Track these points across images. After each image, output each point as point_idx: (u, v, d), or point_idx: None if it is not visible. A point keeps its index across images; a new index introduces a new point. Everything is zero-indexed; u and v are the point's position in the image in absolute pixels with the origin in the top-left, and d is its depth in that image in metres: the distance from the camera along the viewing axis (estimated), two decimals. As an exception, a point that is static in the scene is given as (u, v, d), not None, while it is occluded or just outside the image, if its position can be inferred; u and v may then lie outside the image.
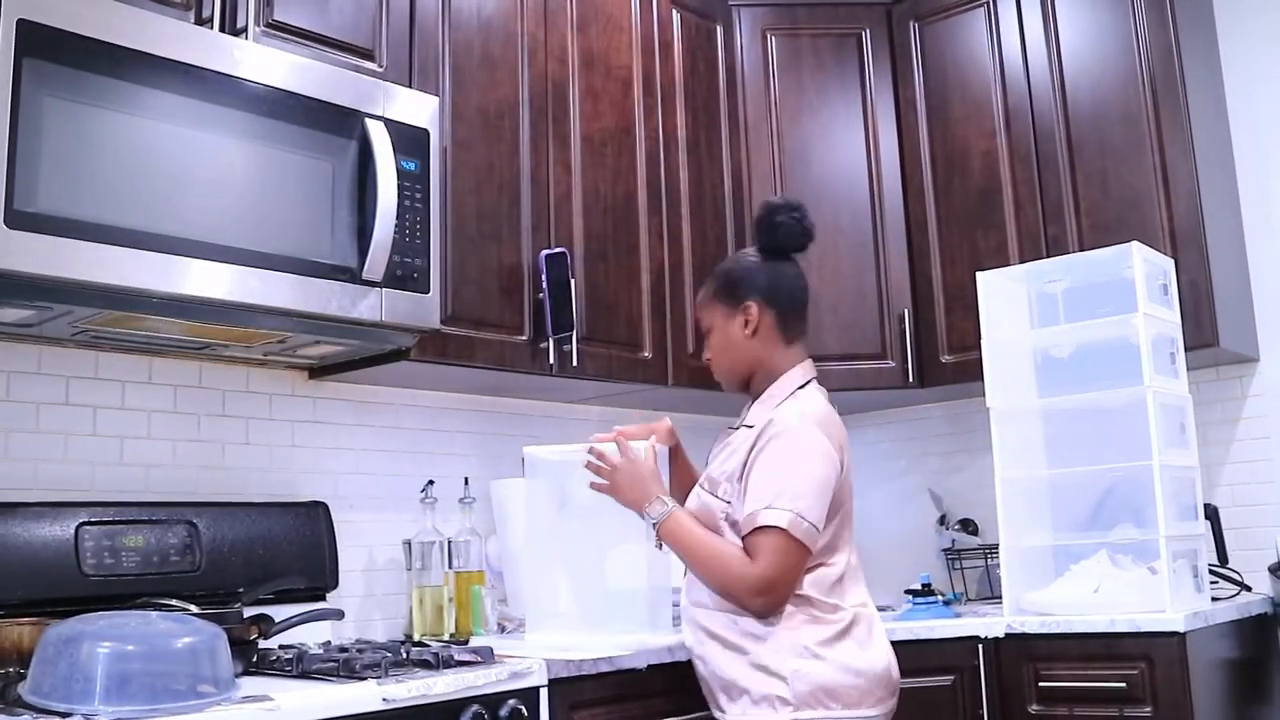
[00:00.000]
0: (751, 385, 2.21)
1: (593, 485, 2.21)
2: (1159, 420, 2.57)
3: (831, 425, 2.11)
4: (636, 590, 2.27)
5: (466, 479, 2.68)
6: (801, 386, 2.15)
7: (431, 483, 2.59)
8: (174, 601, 1.95)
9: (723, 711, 2.06)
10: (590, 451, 2.21)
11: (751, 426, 2.12)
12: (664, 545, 2.14)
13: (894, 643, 2.15)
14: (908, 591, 2.84)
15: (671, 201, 3.01)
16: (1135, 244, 2.66)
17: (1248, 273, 3.13)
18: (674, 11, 3.14)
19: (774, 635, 2.01)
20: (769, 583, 1.98)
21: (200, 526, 2.20)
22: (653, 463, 2.19)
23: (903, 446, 3.60)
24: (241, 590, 2.16)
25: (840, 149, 3.33)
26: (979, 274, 2.90)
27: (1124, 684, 2.40)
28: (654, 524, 2.12)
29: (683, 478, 2.31)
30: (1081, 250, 2.92)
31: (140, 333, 2.08)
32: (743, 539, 2.03)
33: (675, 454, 2.33)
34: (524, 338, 2.57)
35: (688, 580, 2.15)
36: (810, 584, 2.04)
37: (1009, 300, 2.93)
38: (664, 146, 3.02)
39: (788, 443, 2.04)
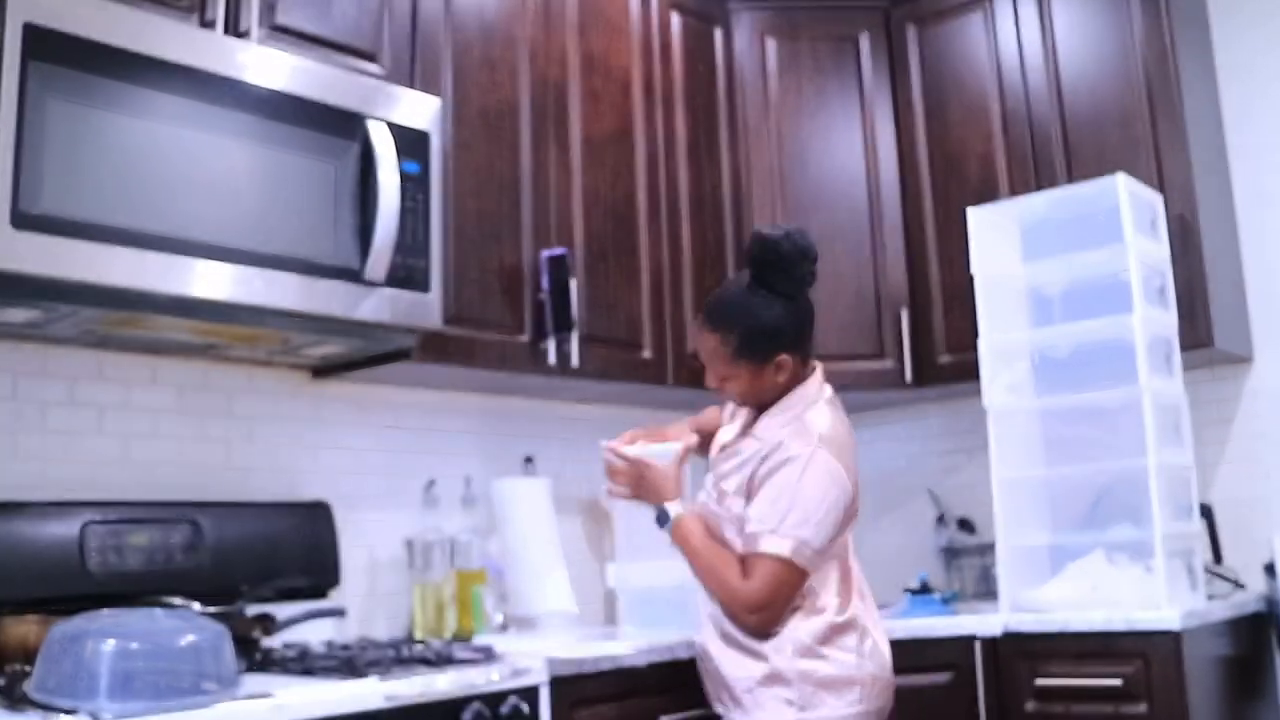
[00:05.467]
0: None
1: (610, 491, 2.24)
2: (1155, 420, 2.58)
3: (842, 442, 2.10)
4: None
5: (468, 478, 2.69)
6: (814, 404, 2.13)
7: (433, 482, 2.60)
8: (178, 600, 1.97)
9: (727, 708, 2.09)
10: (611, 452, 2.23)
11: (761, 440, 2.11)
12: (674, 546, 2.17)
13: (892, 641, 2.17)
14: (906, 590, 2.85)
15: (671, 203, 3.03)
16: (1133, 246, 2.67)
17: (1242, 273, 3.15)
18: (673, 14, 3.15)
19: (779, 636, 2.03)
20: (761, 604, 2.02)
21: (204, 525, 2.21)
22: (675, 467, 2.20)
23: (901, 446, 3.61)
24: (245, 589, 2.16)
25: (839, 151, 3.34)
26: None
27: (1120, 682, 2.41)
28: (666, 526, 2.16)
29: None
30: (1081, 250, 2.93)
31: (145, 333, 2.09)
32: (743, 556, 2.05)
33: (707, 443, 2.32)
34: (524, 338, 2.58)
35: None
36: (816, 585, 2.06)
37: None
38: (664, 148, 3.03)
39: (797, 469, 2.04)
